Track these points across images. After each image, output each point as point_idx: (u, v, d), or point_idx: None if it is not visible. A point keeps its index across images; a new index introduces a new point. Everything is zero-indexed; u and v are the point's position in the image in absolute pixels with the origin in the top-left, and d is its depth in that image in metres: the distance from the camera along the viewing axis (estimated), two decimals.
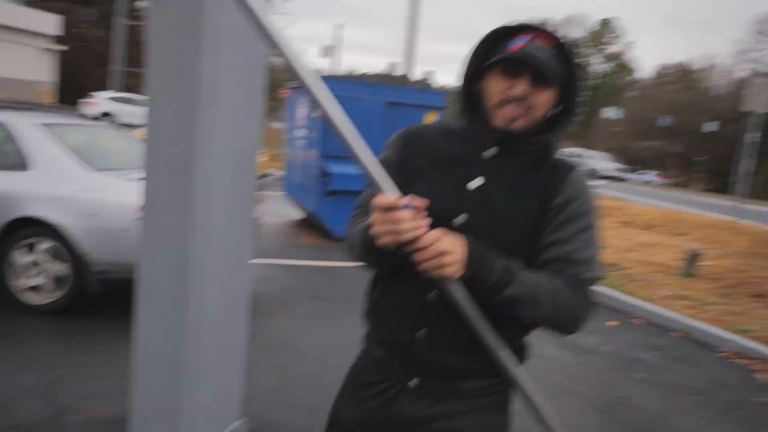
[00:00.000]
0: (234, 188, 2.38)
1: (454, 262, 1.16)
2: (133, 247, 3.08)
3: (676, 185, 44.09)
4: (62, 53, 34.41)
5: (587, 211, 1.32)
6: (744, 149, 12.55)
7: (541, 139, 1.35)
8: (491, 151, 1.35)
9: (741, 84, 39.90)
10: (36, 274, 4.18)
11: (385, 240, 1.17)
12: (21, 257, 4.17)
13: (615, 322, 5.64)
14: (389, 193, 1.17)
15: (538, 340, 4.73)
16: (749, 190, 20.24)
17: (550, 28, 1.30)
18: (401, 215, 1.12)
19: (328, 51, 38.85)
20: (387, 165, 1.36)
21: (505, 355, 1.28)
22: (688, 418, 3.79)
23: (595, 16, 68.11)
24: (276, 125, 28.40)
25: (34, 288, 4.21)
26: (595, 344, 4.96)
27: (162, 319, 2.21)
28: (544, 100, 1.29)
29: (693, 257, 7.53)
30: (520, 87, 1.26)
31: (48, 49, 32.81)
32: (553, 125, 1.36)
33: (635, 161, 49.72)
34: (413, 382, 1.38)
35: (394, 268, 1.35)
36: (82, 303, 4.29)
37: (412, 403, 1.39)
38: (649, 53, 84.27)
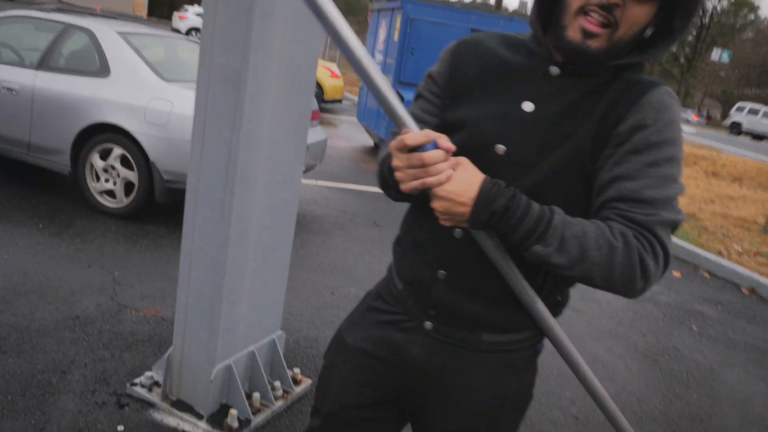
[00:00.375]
0: (288, 104, 2.37)
1: (454, 219, 1.02)
2: None
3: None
4: None
5: (664, 141, 1.02)
6: None
7: (620, 63, 1.08)
8: (555, 69, 1.10)
9: None
10: (109, 179, 4.38)
11: (409, 186, 1.01)
12: (97, 161, 4.36)
13: (678, 273, 5.45)
14: (413, 130, 1.01)
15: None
16: None
17: None
18: (427, 157, 0.96)
19: None
20: (434, 79, 1.26)
21: (538, 308, 1.13)
22: (736, 373, 3.69)
23: None
24: None
25: (107, 192, 4.42)
26: (654, 293, 4.82)
27: (207, 226, 2.27)
28: (639, 15, 1.01)
29: None
30: None
31: None
32: (643, 49, 1.10)
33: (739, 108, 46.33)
34: (428, 325, 1.23)
35: (424, 199, 1.11)
36: (151, 210, 4.47)
37: (423, 345, 1.25)
38: None
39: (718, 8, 51.61)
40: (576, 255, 0.99)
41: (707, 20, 51.43)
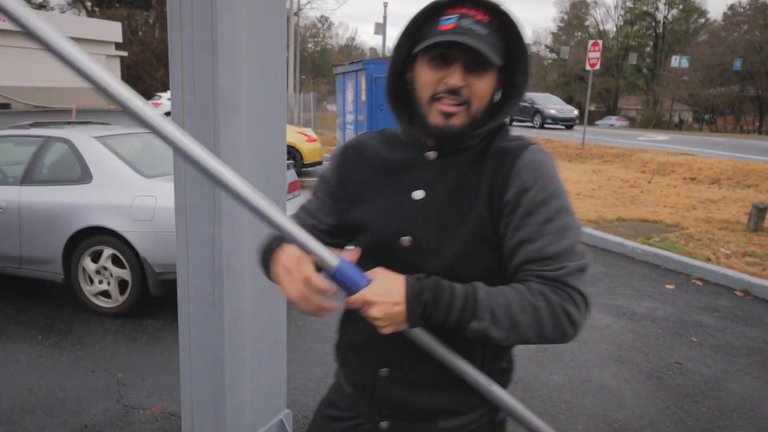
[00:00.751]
0: (264, 190, 2.43)
1: (393, 322, 1.01)
2: None
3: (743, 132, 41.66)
4: (124, 58, 35.44)
5: (549, 197, 1.07)
6: None
7: (485, 130, 1.13)
8: (432, 153, 1.16)
9: None
10: (102, 280, 4.41)
11: (301, 310, 1.06)
12: (89, 264, 4.40)
13: (672, 286, 5.45)
14: (305, 262, 1.03)
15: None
16: None
17: (486, 0, 1.07)
18: (318, 288, 1.02)
19: (379, 29, 38.66)
20: (326, 182, 1.29)
21: (485, 383, 1.14)
22: (741, 380, 3.66)
23: None
24: (332, 108, 28.50)
25: (102, 293, 4.44)
26: (650, 309, 4.84)
27: (201, 319, 2.31)
28: (485, 86, 1.09)
29: (759, 210, 7.10)
30: (455, 77, 1.06)
31: (111, 56, 33.93)
32: (499, 109, 1.17)
33: (707, 110, 47.13)
34: (384, 424, 1.23)
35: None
36: (147, 304, 4.48)
37: None
38: None
39: (669, 17, 53.23)
40: (507, 324, 1.02)
41: (661, 30, 52.98)
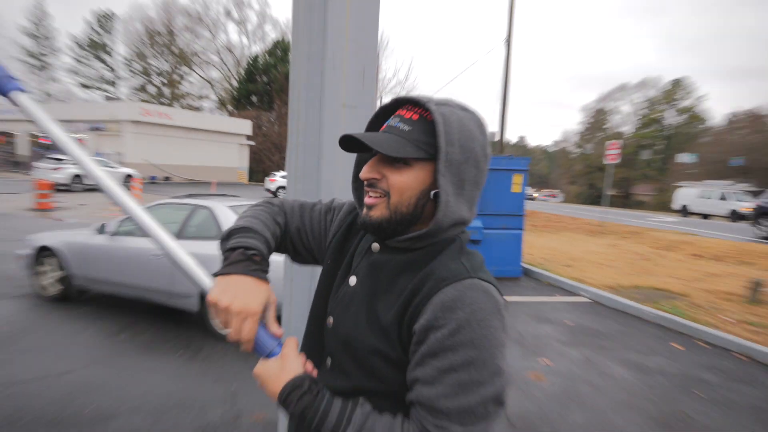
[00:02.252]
0: None
1: (270, 392, 0.85)
2: None
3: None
4: (252, 146, 37.40)
5: (460, 344, 0.76)
6: None
7: (416, 236, 0.87)
8: (376, 245, 0.94)
9: None
10: None
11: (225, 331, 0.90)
12: None
13: (680, 346, 5.08)
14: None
15: (607, 361, 4.50)
16: None
17: (415, 98, 0.87)
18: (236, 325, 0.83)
19: None
20: (333, 213, 1.10)
21: None
22: None
23: (668, 77, 63.08)
24: None
25: None
26: (660, 364, 4.52)
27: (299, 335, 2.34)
28: (403, 180, 0.85)
29: (757, 285, 6.62)
30: (364, 170, 0.88)
31: (243, 144, 35.98)
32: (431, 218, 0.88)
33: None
34: None
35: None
36: None
37: None
38: (719, 103, 76.28)
39: (677, 123, 51.52)
40: None
41: (670, 133, 51.23)
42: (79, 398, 3.34)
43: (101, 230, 5.27)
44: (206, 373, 3.85)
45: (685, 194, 25.83)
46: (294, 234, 1.07)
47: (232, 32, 61.82)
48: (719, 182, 22.94)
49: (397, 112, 0.89)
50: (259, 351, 0.86)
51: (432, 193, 0.86)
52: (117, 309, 5.30)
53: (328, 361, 0.94)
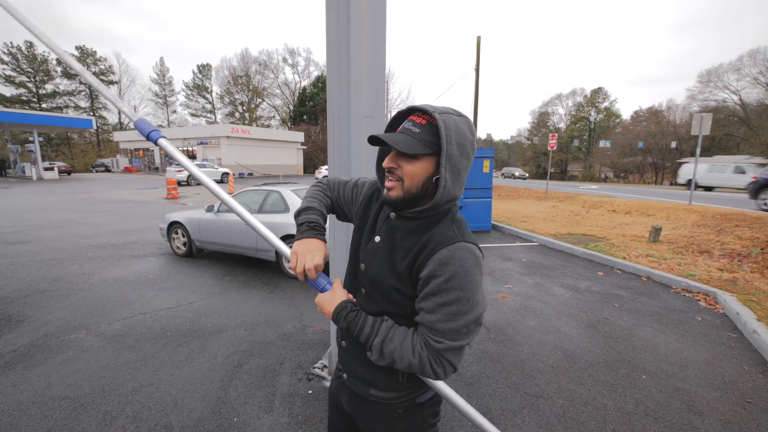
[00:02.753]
0: None
1: (325, 313, 0.93)
2: None
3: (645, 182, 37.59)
4: (305, 150, 37.27)
5: (450, 288, 0.81)
6: (696, 157, 10.46)
7: (422, 209, 0.87)
8: (392, 214, 0.94)
9: (690, 117, 33.08)
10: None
11: (295, 271, 0.93)
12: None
13: (601, 273, 4.97)
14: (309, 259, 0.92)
15: (551, 284, 4.42)
16: (700, 183, 16.68)
17: (423, 108, 0.84)
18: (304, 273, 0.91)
19: None
20: (356, 191, 1.06)
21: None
22: (646, 331, 3.28)
23: (589, 87, 60.15)
24: None
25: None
26: (588, 286, 4.43)
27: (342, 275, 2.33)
28: (414, 170, 0.84)
29: (656, 230, 6.40)
30: (386, 160, 0.87)
31: (299, 149, 35.86)
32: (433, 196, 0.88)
33: (621, 170, 43.07)
34: (344, 376, 1.03)
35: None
36: None
37: (346, 394, 1.04)
38: (625, 103, 72.82)
39: (596, 119, 49.29)
40: (389, 361, 0.87)
41: (593, 126, 49.08)
42: (203, 318, 3.42)
43: (209, 209, 5.31)
44: (282, 300, 3.88)
45: (690, 169, 17.97)
46: (335, 202, 1.10)
47: (288, 72, 60.55)
48: (729, 157, 15.98)
49: (410, 117, 0.88)
50: (316, 287, 0.96)
51: (435, 178, 0.86)
52: (223, 261, 5.36)
53: (362, 290, 0.97)
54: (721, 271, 4.67)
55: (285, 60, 47.05)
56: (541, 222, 8.44)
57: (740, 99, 31.96)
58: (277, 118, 47.45)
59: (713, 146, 31.08)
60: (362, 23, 1.98)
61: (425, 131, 0.84)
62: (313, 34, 76.25)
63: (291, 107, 45.83)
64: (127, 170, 32.62)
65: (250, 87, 46.02)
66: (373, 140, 0.87)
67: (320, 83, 42.57)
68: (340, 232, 2.30)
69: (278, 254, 4.66)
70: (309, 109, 42.39)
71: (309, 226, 0.98)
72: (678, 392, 2.38)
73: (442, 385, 0.93)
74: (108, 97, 1.04)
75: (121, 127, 45.05)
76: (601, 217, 9.23)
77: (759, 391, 2.39)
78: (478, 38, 14.73)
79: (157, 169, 31.27)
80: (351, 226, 2.21)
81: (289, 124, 45.10)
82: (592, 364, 2.74)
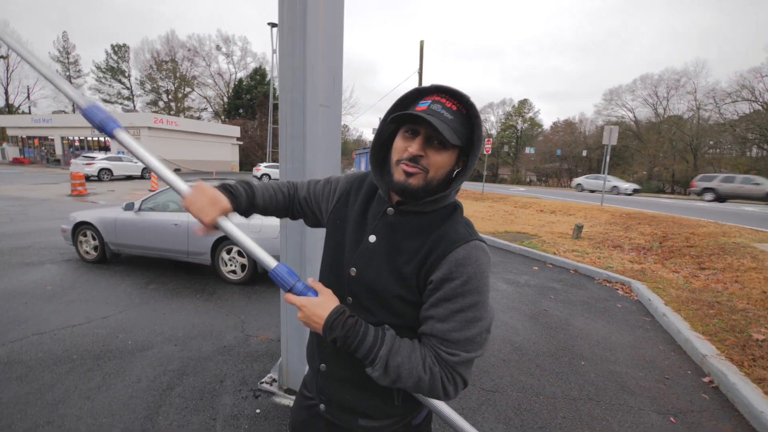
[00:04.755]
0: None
1: (314, 326, 0.75)
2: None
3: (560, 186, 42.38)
4: (241, 145, 35.18)
5: (468, 291, 0.71)
6: (604, 164, 11.89)
7: (435, 198, 0.76)
8: (391, 210, 0.80)
9: (600, 128, 38.01)
10: (232, 264, 4.20)
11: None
12: (225, 255, 4.20)
13: (536, 267, 5.34)
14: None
15: (494, 280, 4.64)
16: (607, 188, 19.23)
17: (458, 92, 0.73)
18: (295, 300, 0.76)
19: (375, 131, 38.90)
20: (329, 187, 0.92)
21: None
22: (579, 319, 3.56)
23: (516, 98, 65.80)
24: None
25: (231, 271, 4.23)
26: (526, 280, 4.72)
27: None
28: (442, 160, 0.74)
29: (578, 228, 7.10)
30: (414, 146, 0.73)
31: (234, 144, 33.70)
32: (449, 184, 0.78)
33: (543, 174, 47.87)
34: (322, 407, 0.88)
35: None
36: (256, 278, 4.28)
37: (321, 427, 0.89)
38: (546, 115, 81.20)
39: (523, 128, 54.24)
40: (393, 378, 0.73)
41: (519, 134, 53.85)
42: (120, 335, 2.92)
43: (128, 207, 4.62)
44: (220, 309, 3.54)
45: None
46: (303, 201, 0.95)
47: (222, 62, 56.38)
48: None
49: (434, 97, 0.74)
50: (282, 284, 0.77)
51: (455, 171, 0.78)
52: (145, 267, 4.72)
53: (349, 300, 0.81)
54: (632, 263, 5.32)
55: (218, 48, 43.57)
56: (480, 221, 8.89)
57: (634, 116, 37.59)
58: (210, 110, 43.88)
59: (614, 155, 36.03)
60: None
61: (456, 119, 0.73)
62: (251, 23, 71.94)
63: (225, 99, 42.62)
64: (16, 161, 27.48)
65: (177, 74, 41.79)
66: (398, 118, 0.74)
67: (258, 75, 40.25)
68: (293, 228, 2.09)
69: (214, 257, 4.21)
70: (246, 103, 39.72)
71: (222, 184, 0.86)
72: (612, 375, 2.60)
73: (439, 402, 0.80)
74: (45, 74, 0.79)
75: (9, 110, 37.84)
76: (531, 216, 10.03)
77: (673, 367, 2.72)
78: (422, 42, 15.14)
79: (58, 161, 26.73)
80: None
81: (223, 117, 41.92)
82: (538, 354, 2.87)
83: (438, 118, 0.71)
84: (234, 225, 0.81)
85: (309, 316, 0.75)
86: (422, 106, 0.73)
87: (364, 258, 0.79)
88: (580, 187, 21.81)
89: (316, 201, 0.93)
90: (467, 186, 23.04)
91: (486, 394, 2.34)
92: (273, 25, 24.53)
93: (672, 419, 2.14)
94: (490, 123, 55.75)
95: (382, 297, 0.77)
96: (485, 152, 15.38)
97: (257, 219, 4.04)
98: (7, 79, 38.05)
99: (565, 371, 2.63)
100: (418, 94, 0.76)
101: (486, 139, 15.74)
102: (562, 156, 43.04)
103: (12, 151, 28.58)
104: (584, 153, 39.16)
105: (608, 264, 5.25)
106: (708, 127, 31.14)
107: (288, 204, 0.94)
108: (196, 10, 70.80)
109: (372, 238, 0.80)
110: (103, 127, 0.81)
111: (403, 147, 0.75)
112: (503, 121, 55.74)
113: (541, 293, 4.27)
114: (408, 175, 0.75)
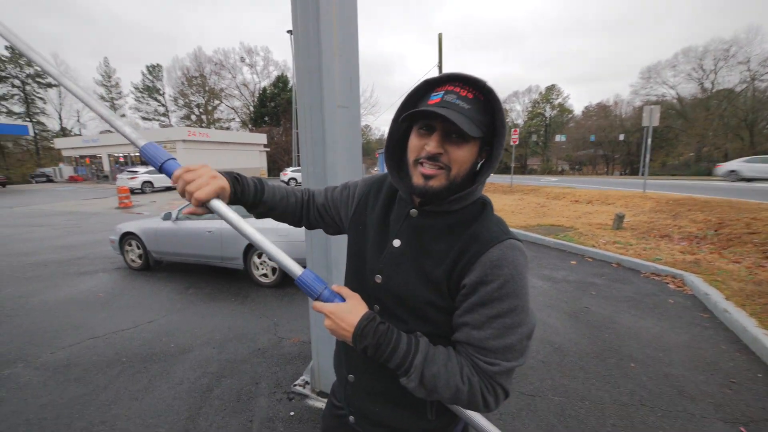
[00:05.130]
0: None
1: (342, 334, 0.70)
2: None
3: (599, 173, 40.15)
4: (268, 152, 36.20)
5: (505, 295, 0.65)
6: (644, 148, 11.07)
7: (461, 195, 0.70)
8: (414, 211, 0.75)
9: (638, 110, 35.60)
10: (263, 268, 4.29)
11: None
12: (256, 259, 4.30)
13: (574, 262, 5.07)
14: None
15: (529, 276, 4.39)
16: (649, 172, 17.95)
17: (472, 78, 0.66)
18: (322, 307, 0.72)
19: None
20: (348, 192, 0.88)
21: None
22: (625, 317, 3.31)
23: (543, 84, 63.23)
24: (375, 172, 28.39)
25: (263, 275, 4.32)
26: (564, 276, 4.48)
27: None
28: (464, 155, 0.68)
29: (619, 217, 6.66)
30: (431, 144, 0.67)
31: (262, 151, 34.78)
32: (474, 178, 0.72)
33: (576, 163, 45.63)
34: (351, 419, 0.84)
35: None
36: (288, 281, 4.35)
37: None
38: (576, 100, 77.48)
39: (552, 115, 51.90)
40: (430, 389, 0.67)
41: (548, 122, 51.60)
42: (164, 338, 3.06)
43: (166, 217, 4.85)
44: (253, 312, 3.61)
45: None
46: (321, 209, 0.91)
47: (246, 72, 58.54)
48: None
49: (447, 87, 0.67)
50: (309, 292, 0.72)
51: (479, 164, 0.72)
52: (184, 272, 4.93)
53: (376, 308, 0.77)
54: (683, 254, 4.90)
55: (243, 59, 45.30)
56: (510, 215, 8.58)
57: (677, 93, 34.84)
58: (237, 119, 45.68)
59: (656, 137, 33.65)
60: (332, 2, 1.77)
61: (474, 107, 0.66)
62: (271, 33, 74.08)
63: (251, 108, 44.24)
64: (72, 179, 29.99)
65: (206, 88, 43.96)
66: (409, 116, 0.68)
67: (281, 83, 41.52)
68: (317, 236, 2.07)
69: (246, 261, 4.32)
70: (270, 110, 41.06)
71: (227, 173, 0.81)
72: (667, 378, 2.38)
73: (475, 414, 0.72)
74: (105, 116, 0.79)
75: (63, 133, 41.36)
76: (566, 207, 9.57)
77: (740, 370, 2.45)
78: (440, 35, 14.85)
79: (106, 177, 28.98)
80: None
81: (250, 125, 43.54)
82: (581, 355, 2.70)
83: (453, 110, 0.64)
84: (248, 222, 0.79)
85: (337, 323, 0.70)
86: (435, 98, 0.66)
87: (389, 264, 0.74)
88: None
89: (335, 207, 0.89)
90: (494, 179, 22.39)
91: (525, 398, 2.21)
92: (291, 32, 25.04)
93: (742, 429, 1.92)
94: (516, 112, 53.87)
95: (411, 304, 0.72)
96: (512, 143, 14.85)
97: (285, 225, 4.08)
98: (60, 105, 41.64)
99: (612, 374, 2.44)
100: (429, 86, 0.69)
101: (513, 129, 15.17)
102: (596, 142, 40.77)
103: (67, 171, 31.25)
104: (621, 137, 36.83)
105: (656, 256, 4.88)
106: (766, 99, 28.23)
107: (300, 209, 0.89)
108: (219, 24, 74.02)
109: (396, 243, 0.75)
110: (163, 167, 0.78)
111: (419, 145, 0.69)
112: (530, 109, 53.63)
113: (581, 289, 4.03)
114: (427, 177, 0.69)
